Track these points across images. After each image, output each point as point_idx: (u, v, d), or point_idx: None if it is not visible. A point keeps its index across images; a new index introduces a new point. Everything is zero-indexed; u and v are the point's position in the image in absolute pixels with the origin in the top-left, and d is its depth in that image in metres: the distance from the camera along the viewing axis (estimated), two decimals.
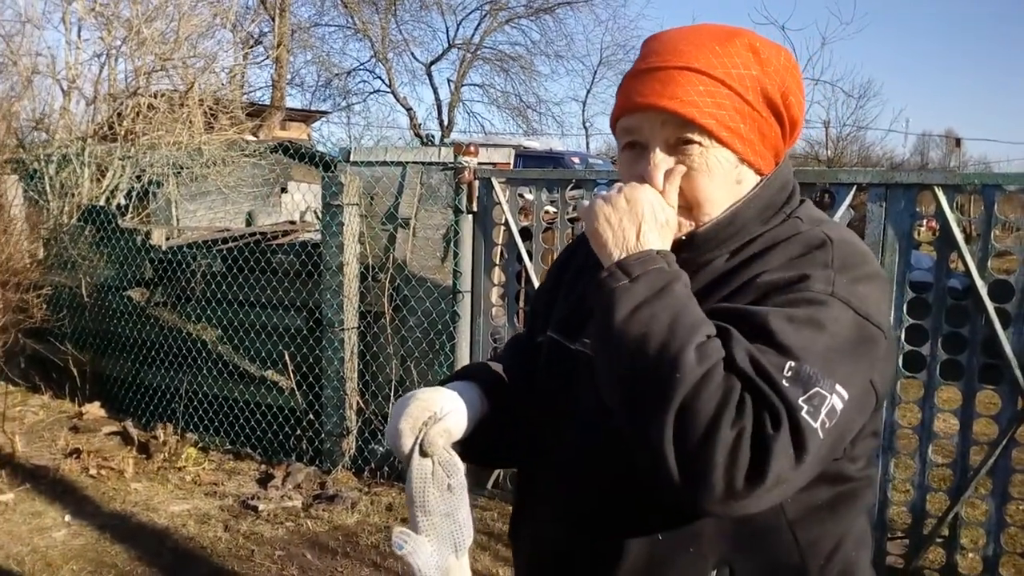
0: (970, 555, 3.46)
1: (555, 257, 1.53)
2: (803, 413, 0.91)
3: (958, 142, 26.96)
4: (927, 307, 3.32)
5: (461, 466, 1.13)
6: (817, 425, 0.92)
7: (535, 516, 1.25)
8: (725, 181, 1.11)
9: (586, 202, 1.12)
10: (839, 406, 0.94)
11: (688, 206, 1.11)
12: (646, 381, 0.95)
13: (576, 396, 1.16)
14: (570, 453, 1.17)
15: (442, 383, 1.22)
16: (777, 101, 1.11)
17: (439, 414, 1.11)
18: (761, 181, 1.14)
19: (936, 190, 3.25)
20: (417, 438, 1.10)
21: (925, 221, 3.54)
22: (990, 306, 3.19)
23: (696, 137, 1.08)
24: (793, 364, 0.94)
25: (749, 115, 1.09)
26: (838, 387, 0.94)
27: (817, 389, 0.93)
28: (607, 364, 1.02)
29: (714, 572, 1.08)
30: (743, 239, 1.12)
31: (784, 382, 0.92)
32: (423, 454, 1.10)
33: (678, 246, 1.11)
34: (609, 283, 1.02)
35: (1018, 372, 3.17)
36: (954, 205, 3.27)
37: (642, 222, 1.06)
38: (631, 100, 1.11)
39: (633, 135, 1.13)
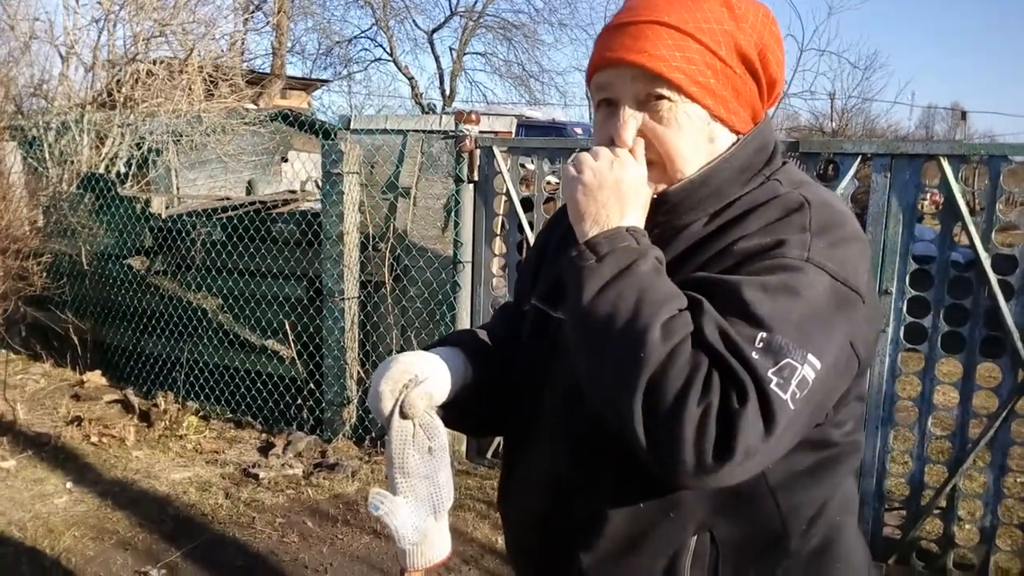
0: (967, 526, 3.47)
1: None
2: (772, 385, 0.90)
3: (964, 115, 26.77)
4: (929, 279, 3.30)
5: (442, 429, 1.12)
6: (787, 397, 0.91)
7: (521, 483, 1.25)
8: (696, 137, 1.09)
9: (572, 169, 1.09)
10: (811, 375, 0.93)
11: (660, 162, 1.09)
12: (614, 360, 0.95)
13: (559, 365, 1.15)
14: (553, 420, 1.17)
15: (426, 348, 1.22)
16: (752, 58, 1.09)
17: (420, 377, 1.11)
18: (738, 141, 1.12)
19: (942, 160, 3.22)
20: (397, 400, 1.09)
21: (929, 194, 3.50)
22: (993, 278, 3.17)
23: (665, 92, 1.06)
24: (765, 335, 0.92)
25: (721, 71, 1.07)
26: (810, 356, 0.93)
27: (788, 360, 0.92)
28: (577, 343, 1.01)
29: (694, 538, 1.07)
30: (721, 202, 1.10)
31: (754, 354, 0.91)
32: (403, 416, 1.09)
33: (653, 207, 1.09)
34: (577, 262, 1.02)
35: (1019, 344, 3.15)
36: (959, 176, 3.23)
37: (626, 204, 1.05)
38: (602, 56, 1.10)
39: (605, 91, 1.12)
